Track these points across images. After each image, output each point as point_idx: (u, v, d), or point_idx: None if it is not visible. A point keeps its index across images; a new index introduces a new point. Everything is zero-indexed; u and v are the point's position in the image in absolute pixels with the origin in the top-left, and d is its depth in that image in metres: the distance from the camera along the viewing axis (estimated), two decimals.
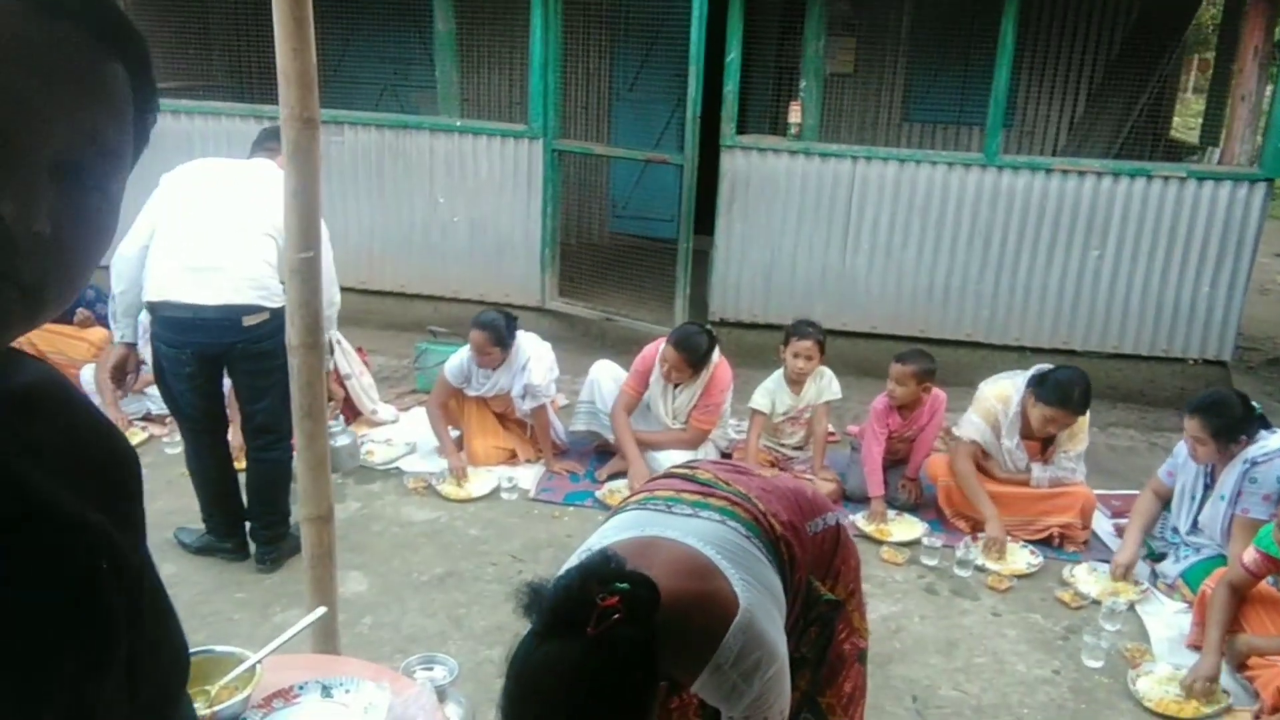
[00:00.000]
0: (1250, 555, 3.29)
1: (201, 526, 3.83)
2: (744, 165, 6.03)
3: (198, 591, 3.55)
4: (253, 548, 3.82)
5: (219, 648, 2.09)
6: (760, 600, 1.60)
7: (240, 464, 4.02)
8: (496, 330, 4.53)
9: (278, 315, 3.52)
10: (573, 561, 1.64)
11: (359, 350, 5.25)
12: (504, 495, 4.43)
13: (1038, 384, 4.12)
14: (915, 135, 7.88)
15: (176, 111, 6.59)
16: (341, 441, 4.51)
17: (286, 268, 2.22)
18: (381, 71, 7.68)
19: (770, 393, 4.71)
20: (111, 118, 0.69)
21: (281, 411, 3.70)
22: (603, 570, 1.40)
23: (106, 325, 5.25)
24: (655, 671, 1.41)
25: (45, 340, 4.95)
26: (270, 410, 3.64)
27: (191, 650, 2.14)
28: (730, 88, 5.83)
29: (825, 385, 4.68)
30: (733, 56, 5.77)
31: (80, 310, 5.19)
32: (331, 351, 4.09)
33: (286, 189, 2.16)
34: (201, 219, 3.51)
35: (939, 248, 6.00)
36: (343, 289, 6.50)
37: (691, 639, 1.55)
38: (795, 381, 4.64)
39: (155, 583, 0.78)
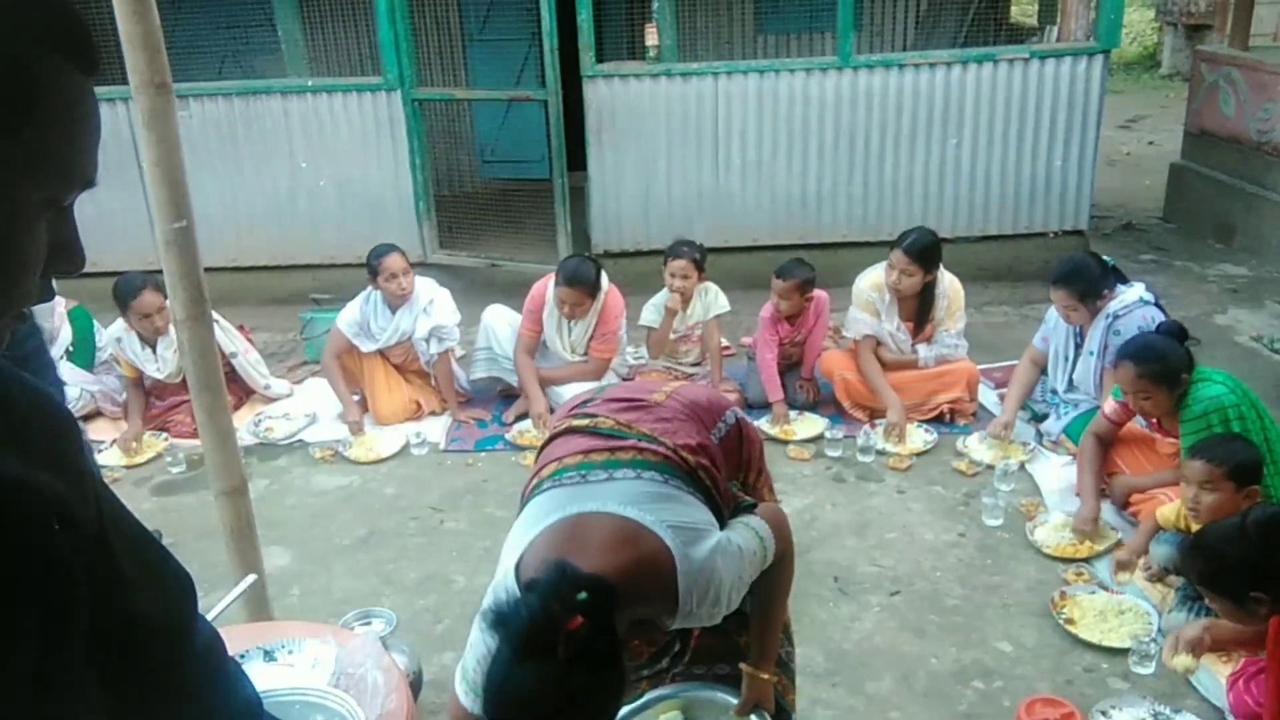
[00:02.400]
0: (1110, 406, 3.56)
1: None
2: (607, 94, 6.02)
3: None
4: None
5: None
6: (691, 539, 1.68)
7: (132, 456, 4.19)
8: (402, 252, 4.59)
9: None
10: (508, 560, 1.69)
11: (240, 328, 5.10)
12: (414, 451, 4.42)
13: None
14: (771, 47, 7.97)
15: None
16: None
17: (160, 240, 2.15)
18: (220, 39, 7.33)
19: (658, 308, 4.77)
20: None
21: None
22: (560, 586, 1.43)
23: None
24: (621, 655, 1.49)
25: None
26: None
27: None
28: (585, 16, 5.79)
29: (712, 300, 4.78)
30: None
31: None
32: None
33: (147, 160, 2.09)
34: None
35: (806, 155, 6.13)
36: (212, 269, 6.31)
37: (649, 601, 1.64)
38: (680, 300, 4.71)
39: (128, 528, 0.79)
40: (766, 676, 1.91)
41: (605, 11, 6.14)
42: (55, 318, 4.79)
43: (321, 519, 3.94)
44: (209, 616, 2.07)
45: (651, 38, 6.03)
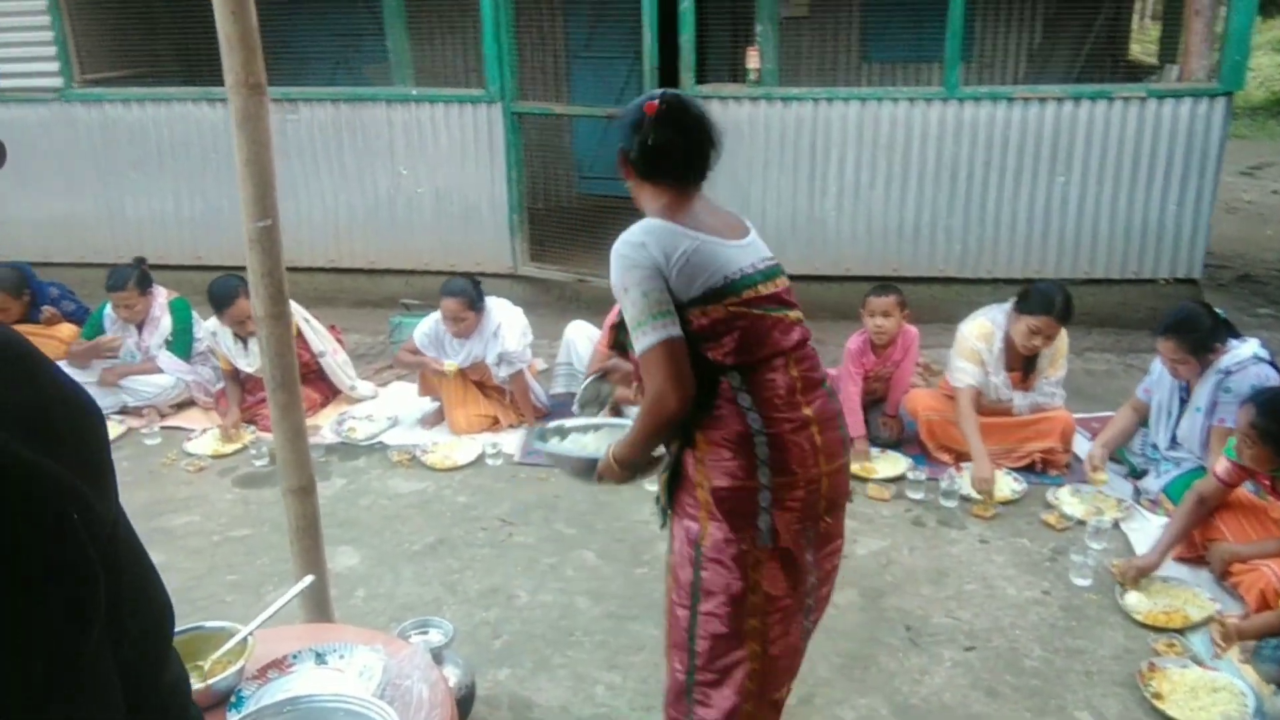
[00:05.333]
0: (1222, 465, 3.33)
1: None
2: None
3: (188, 577, 3.54)
4: None
5: (209, 623, 2.09)
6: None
7: (232, 443, 4.47)
8: (466, 294, 4.51)
9: None
10: None
11: (331, 328, 5.20)
12: (489, 462, 4.43)
13: (1021, 300, 4.15)
14: (875, 75, 7.84)
15: (127, 100, 6.47)
16: None
17: (245, 237, 2.18)
18: (331, 46, 7.55)
19: None
20: None
21: None
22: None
23: (73, 321, 5.19)
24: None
25: None
26: None
27: (181, 628, 2.13)
28: (686, 37, 5.77)
29: None
30: (686, 5, 5.70)
31: (46, 308, 5.12)
32: None
33: (238, 159, 2.12)
34: None
35: (906, 185, 5.99)
36: (311, 269, 6.49)
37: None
38: None
39: (131, 539, 0.78)
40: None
41: (708, 33, 6.10)
42: (156, 308, 4.96)
43: (393, 522, 3.96)
44: (266, 614, 2.08)
45: (753, 61, 5.98)
